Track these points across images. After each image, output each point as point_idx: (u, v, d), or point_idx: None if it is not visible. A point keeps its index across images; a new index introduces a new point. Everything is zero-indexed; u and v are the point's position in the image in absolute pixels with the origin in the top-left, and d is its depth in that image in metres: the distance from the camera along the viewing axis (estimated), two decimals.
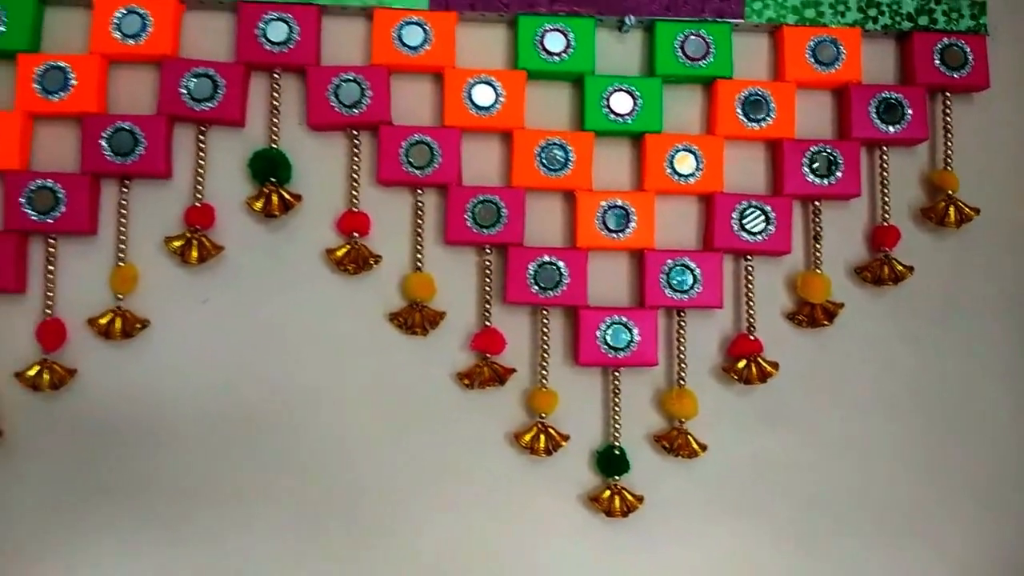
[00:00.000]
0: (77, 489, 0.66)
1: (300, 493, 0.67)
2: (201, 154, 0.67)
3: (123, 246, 0.66)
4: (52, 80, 0.66)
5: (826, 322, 0.70)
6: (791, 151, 0.69)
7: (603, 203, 0.68)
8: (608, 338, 0.67)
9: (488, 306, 0.68)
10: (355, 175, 0.68)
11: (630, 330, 0.67)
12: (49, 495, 0.66)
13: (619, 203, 0.68)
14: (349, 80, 0.67)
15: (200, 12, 0.68)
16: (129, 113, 0.67)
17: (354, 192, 0.68)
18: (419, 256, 0.68)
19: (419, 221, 0.68)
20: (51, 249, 0.66)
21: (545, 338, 0.68)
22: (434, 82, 0.70)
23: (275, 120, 0.68)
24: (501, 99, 0.68)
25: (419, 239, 0.68)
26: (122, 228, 0.67)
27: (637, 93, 0.68)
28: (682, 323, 0.69)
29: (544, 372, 0.68)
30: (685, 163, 0.68)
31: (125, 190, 0.67)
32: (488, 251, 0.68)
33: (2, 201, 0.66)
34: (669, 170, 0.68)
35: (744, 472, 0.70)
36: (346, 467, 0.68)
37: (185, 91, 0.66)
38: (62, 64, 0.66)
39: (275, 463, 0.67)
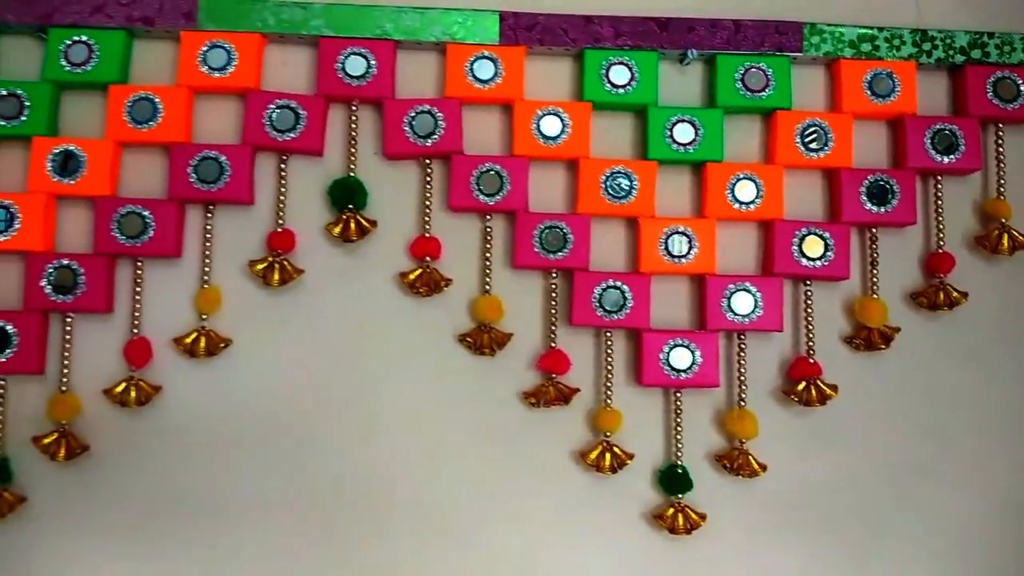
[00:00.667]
0: (159, 500, 0.69)
1: (371, 507, 0.70)
2: (282, 181, 0.71)
3: (207, 269, 0.70)
4: (141, 110, 0.69)
5: (883, 346, 0.72)
6: (848, 180, 0.72)
7: (665, 229, 0.70)
8: (671, 360, 0.69)
9: (553, 328, 0.70)
10: (427, 202, 0.71)
11: (692, 352, 0.69)
12: (133, 506, 0.69)
13: (681, 229, 0.70)
14: (424, 112, 0.70)
15: (281, 46, 0.72)
16: (212, 142, 0.70)
17: (426, 218, 0.71)
18: (487, 279, 0.71)
19: (488, 246, 0.71)
20: (138, 271, 0.70)
21: (609, 359, 0.70)
22: (503, 113, 0.73)
23: (352, 149, 0.71)
24: (568, 129, 0.71)
25: (488, 263, 0.71)
26: (206, 251, 0.70)
27: (699, 123, 0.71)
28: (742, 345, 0.71)
29: (608, 392, 0.70)
30: (746, 191, 0.71)
31: (209, 215, 0.70)
32: (554, 275, 0.71)
33: (93, 225, 0.69)
34: (730, 198, 0.71)
35: (803, 492, 0.71)
36: (415, 482, 0.70)
37: (268, 122, 0.70)
38: (151, 95, 0.69)
39: (347, 478, 0.70)
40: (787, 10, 0.74)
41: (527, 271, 0.71)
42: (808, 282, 0.72)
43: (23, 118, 0.69)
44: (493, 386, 0.71)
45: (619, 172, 0.70)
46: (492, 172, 0.70)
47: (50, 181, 0.68)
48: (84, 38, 0.69)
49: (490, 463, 0.70)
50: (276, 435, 0.69)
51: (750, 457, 0.70)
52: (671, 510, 0.69)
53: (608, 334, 0.71)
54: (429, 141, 0.70)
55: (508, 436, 0.71)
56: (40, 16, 0.69)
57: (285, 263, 0.70)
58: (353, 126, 0.71)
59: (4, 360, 0.67)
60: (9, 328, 0.67)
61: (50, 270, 0.68)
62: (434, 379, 0.71)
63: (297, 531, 0.69)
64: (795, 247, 0.70)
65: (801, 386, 0.70)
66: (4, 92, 0.69)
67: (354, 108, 0.71)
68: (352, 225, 0.70)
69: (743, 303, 0.70)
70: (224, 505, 0.69)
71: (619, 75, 0.71)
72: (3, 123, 0.68)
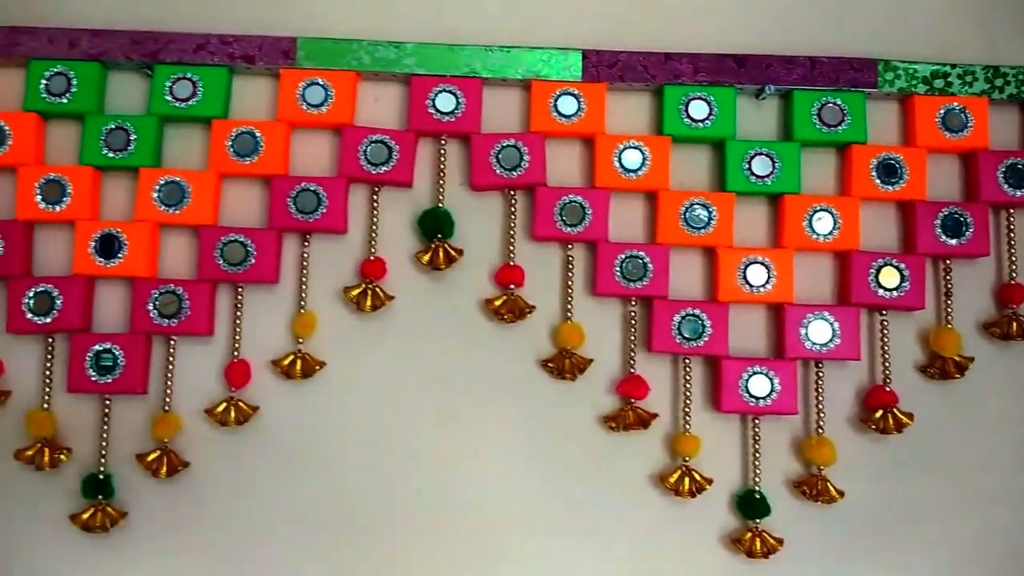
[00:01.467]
0: (255, 516, 0.72)
1: (452, 526, 0.72)
2: (374, 212, 0.74)
3: (303, 294, 0.73)
4: (243, 144, 0.73)
5: (957, 375, 0.73)
6: (923, 212, 0.73)
7: (744, 259, 0.72)
8: (750, 387, 0.71)
9: (633, 354, 0.73)
10: (511, 231, 0.74)
11: (771, 380, 0.71)
12: (230, 521, 0.72)
13: (759, 259, 0.72)
14: (510, 146, 0.73)
15: (374, 82, 0.75)
16: (306, 174, 0.74)
17: (510, 247, 0.74)
18: (569, 306, 0.74)
19: (569, 274, 0.74)
20: (239, 297, 0.73)
21: (688, 385, 0.72)
22: (584, 146, 0.75)
23: (441, 181, 0.74)
24: (648, 162, 0.73)
25: (569, 291, 0.74)
26: (303, 278, 0.73)
27: (776, 156, 0.73)
28: (820, 374, 0.73)
29: (687, 417, 0.72)
30: (823, 222, 0.72)
31: (306, 244, 0.73)
32: (633, 303, 0.73)
33: (196, 252, 0.72)
34: (808, 229, 0.72)
35: (880, 518, 0.72)
36: (498, 502, 0.72)
37: (362, 155, 0.73)
38: (252, 130, 0.73)
39: (430, 497, 0.72)
40: (861, 47, 0.76)
41: (607, 299, 0.74)
42: (884, 312, 0.73)
43: (130, 150, 0.73)
44: (573, 410, 0.73)
45: (698, 203, 0.73)
46: (574, 203, 0.73)
47: (156, 210, 0.72)
48: (188, 75, 0.73)
49: (569, 484, 0.72)
50: (367, 454, 0.72)
51: (828, 483, 0.71)
52: (749, 534, 0.71)
53: (687, 361, 0.73)
54: (514, 173, 0.73)
55: (587, 459, 0.73)
56: (147, 54, 0.73)
57: (377, 289, 0.73)
58: (442, 159, 0.74)
59: (110, 381, 0.71)
60: (115, 350, 0.71)
61: (155, 295, 0.71)
62: (517, 402, 0.73)
63: (385, 548, 0.71)
64: (872, 277, 0.72)
65: (878, 414, 0.72)
66: (113, 125, 0.73)
67: (443, 142, 0.74)
68: (440, 254, 0.73)
69: (821, 332, 0.71)
70: (317, 521, 0.72)
71: (698, 110, 0.73)
72: (112, 154, 0.73)
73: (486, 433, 0.73)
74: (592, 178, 0.74)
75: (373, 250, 0.74)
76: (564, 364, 0.73)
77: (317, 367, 0.72)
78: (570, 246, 0.74)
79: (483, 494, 0.72)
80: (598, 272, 0.73)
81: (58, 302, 0.71)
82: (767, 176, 0.73)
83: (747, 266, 0.72)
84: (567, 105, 0.74)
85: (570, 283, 0.74)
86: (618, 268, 0.72)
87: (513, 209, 0.74)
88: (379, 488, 0.72)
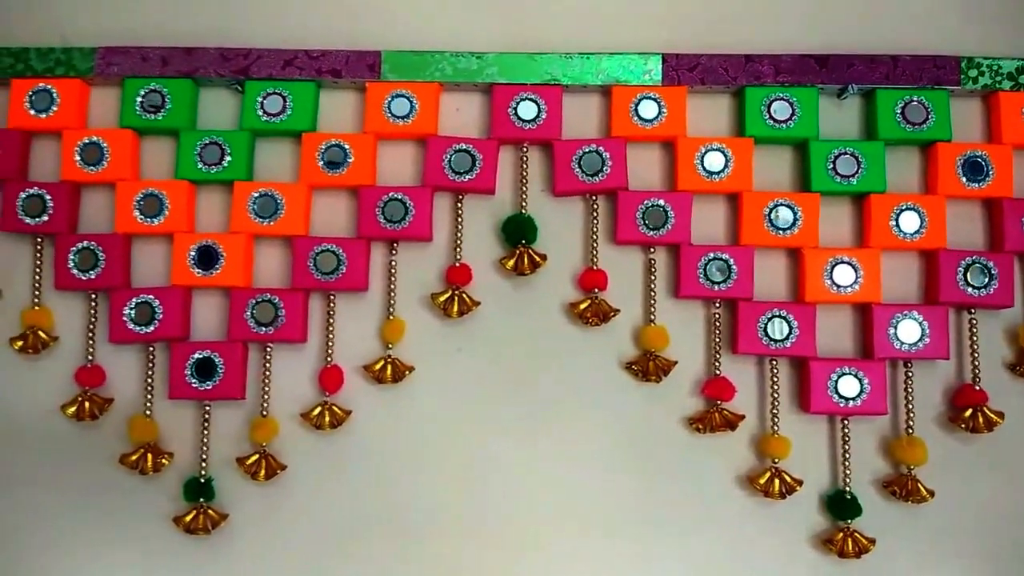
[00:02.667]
0: (349, 517, 0.74)
1: (539, 529, 0.73)
2: (459, 219, 0.75)
3: (392, 301, 0.75)
4: (332, 156, 0.75)
5: None
6: (1011, 209, 0.72)
7: (830, 259, 0.72)
8: (839, 388, 0.71)
9: (717, 356, 0.73)
10: (594, 236, 0.75)
11: (860, 380, 0.71)
12: (326, 522, 0.74)
13: (846, 259, 0.72)
14: (591, 151, 0.74)
15: (456, 92, 0.76)
16: (391, 183, 0.76)
17: (593, 251, 0.75)
18: (652, 309, 0.74)
19: (652, 277, 0.74)
20: (331, 304, 0.75)
21: (775, 386, 0.73)
22: (663, 150, 0.76)
23: (523, 188, 0.75)
24: (730, 164, 0.73)
25: (652, 294, 0.75)
26: (391, 285, 0.75)
27: (860, 156, 0.73)
28: (909, 373, 0.72)
29: (775, 419, 0.72)
30: (909, 221, 0.72)
31: (394, 252, 0.75)
32: (717, 304, 0.74)
33: (289, 262, 0.74)
34: (894, 228, 0.72)
35: (971, 518, 0.72)
36: (584, 506, 0.73)
37: (447, 165, 0.75)
38: (341, 143, 0.75)
39: (516, 500, 0.73)
40: (944, 44, 0.75)
41: (690, 301, 0.74)
42: (972, 310, 0.73)
43: (224, 164, 0.75)
44: (658, 412, 0.74)
45: (783, 204, 0.73)
46: (657, 207, 0.73)
47: (251, 222, 0.74)
48: (278, 90, 0.76)
49: (655, 486, 0.73)
50: (454, 457, 0.74)
51: (919, 484, 0.71)
52: (840, 535, 0.71)
53: (774, 362, 0.73)
54: (596, 179, 0.74)
55: (673, 461, 0.73)
56: (237, 70, 0.76)
57: (464, 295, 0.74)
58: (524, 166, 0.75)
59: (210, 387, 0.73)
60: (215, 358, 0.73)
61: (252, 304, 0.74)
62: (601, 405, 0.74)
63: (473, 552, 0.73)
64: (960, 276, 0.72)
65: (967, 413, 0.71)
66: (207, 140, 0.75)
67: (524, 149, 0.76)
68: (525, 259, 0.74)
69: (910, 332, 0.71)
70: (406, 523, 0.73)
71: (781, 111, 0.73)
72: (206, 168, 0.75)
73: (572, 436, 0.74)
74: (674, 181, 0.74)
75: (459, 257, 0.75)
76: (648, 366, 0.73)
77: (407, 372, 0.74)
78: (652, 249, 0.75)
79: (570, 497, 0.73)
80: (682, 275, 0.73)
81: (158, 312, 0.74)
82: (852, 176, 0.73)
83: (834, 266, 0.72)
84: (648, 109, 0.74)
85: (653, 286, 0.75)
86: (701, 270, 0.73)
87: (595, 214, 0.75)
88: (466, 491, 0.74)
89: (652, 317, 0.74)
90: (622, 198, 0.74)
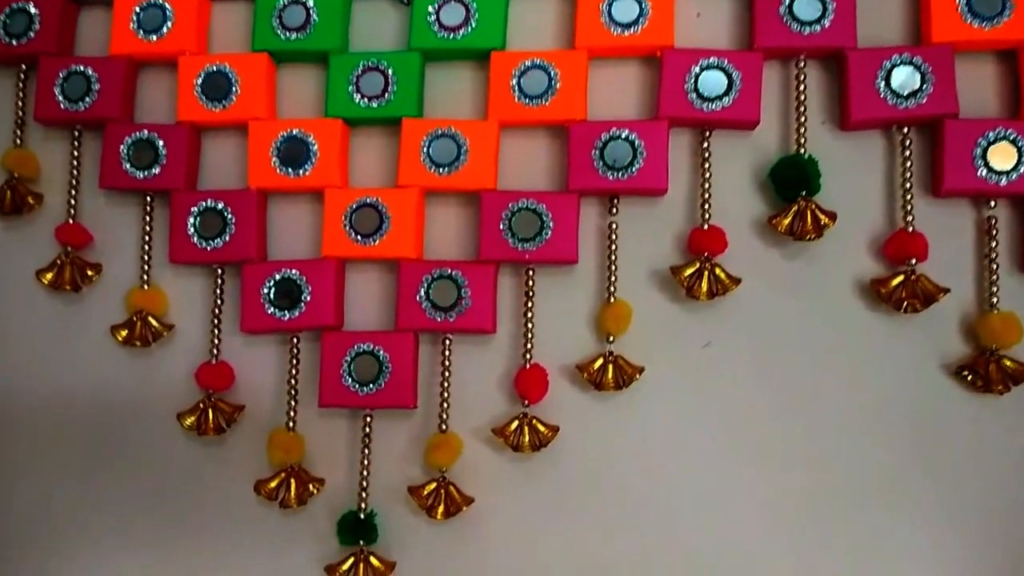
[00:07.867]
0: (554, 571, 0.55)
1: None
2: (706, 164, 0.55)
3: (612, 278, 0.55)
4: (532, 82, 0.55)
5: None
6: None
7: None
8: None
9: None
10: (905, 184, 0.53)
11: None
12: (518, 558, 0.56)
13: None
14: (903, 62, 0.53)
15: None
16: (614, 118, 0.56)
17: (906, 206, 0.53)
18: (995, 288, 0.52)
19: (992, 243, 0.52)
20: (529, 283, 0.56)
21: None
22: (999, 61, 0.54)
23: (802, 119, 0.54)
24: None
25: (993, 266, 0.52)
26: (612, 257, 0.55)
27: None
28: None
29: None
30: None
31: (614, 211, 0.56)
32: None
33: (477, 226, 0.56)
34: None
35: None
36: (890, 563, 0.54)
37: (690, 87, 0.54)
38: (544, 62, 0.55)
39: (783, 550, 0.54)
40: None
41: None
42: None
43: (388, 97, 0.57)
44: (1003, 436, 0.52)
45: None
46: (1005, 139, 0.51)
47: (425, 172, 0.56)
48: None
49: (998, 542, 0.52)
50: (699, 490, 0.55)
51: None
52: None
53: None
54: (909, 103, 0.53)
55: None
56: None
57: (717, 269, 0.54)
58: (800, 89, 0.54)
59: (372, 392, 0.55)
60: (379, 353, 0.55)
61: (427, 281, 0.55)
62: (920, 424, 0.53)
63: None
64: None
65: None
66: (365, 65, 0.57)
67: (800, 65, 0.55)
68: (808, 217, 0.53)
69: None
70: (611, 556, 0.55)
71: None
72: (365, 103, 0.57)
73: (871, 470, 0.54)
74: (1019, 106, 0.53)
75: (707, 216, 0.55)
76: (989, 371, 0.52)
77: (636, 374, 0.55)
78: (992, 203, 0.53)
79: (870, 555, 0.53)
80: None
81: (305, 291, 0.57)
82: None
83: None
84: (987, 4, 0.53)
85: (994, 256, 0.53)
86: None
87: (908, 152, 0.54)
88: (716, 537, 0.54)
89: (994, 299, 0.53)
90: (951, 129, 0.53)
